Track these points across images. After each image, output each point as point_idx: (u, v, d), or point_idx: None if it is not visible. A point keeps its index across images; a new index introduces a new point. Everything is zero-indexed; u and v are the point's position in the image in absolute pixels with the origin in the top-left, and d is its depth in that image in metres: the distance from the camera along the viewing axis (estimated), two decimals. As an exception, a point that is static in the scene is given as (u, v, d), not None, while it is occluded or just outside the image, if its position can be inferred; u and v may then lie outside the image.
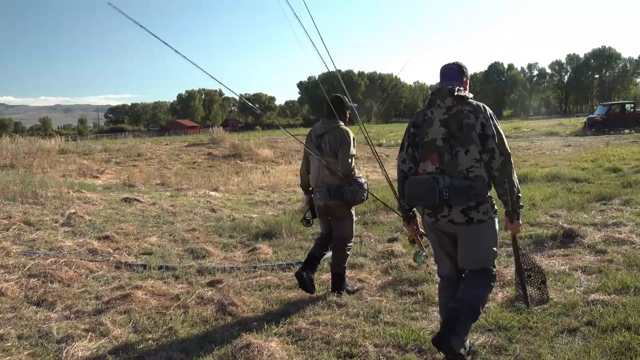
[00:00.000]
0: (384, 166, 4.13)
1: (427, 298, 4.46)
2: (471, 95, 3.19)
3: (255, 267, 5.60)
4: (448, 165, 3.09)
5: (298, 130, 66.46)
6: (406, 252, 5.89)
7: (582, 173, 11.39)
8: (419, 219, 3.51)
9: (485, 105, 3.13)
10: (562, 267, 5.13)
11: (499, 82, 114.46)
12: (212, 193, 11.24)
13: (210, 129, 25.66)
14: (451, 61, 3.32)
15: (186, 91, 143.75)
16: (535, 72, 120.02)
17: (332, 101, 4.40)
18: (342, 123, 4.45)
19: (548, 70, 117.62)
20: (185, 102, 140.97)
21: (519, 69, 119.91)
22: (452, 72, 3.26)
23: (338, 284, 4.63)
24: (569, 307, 4.06)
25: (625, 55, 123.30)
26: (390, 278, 5.08)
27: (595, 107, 34.25)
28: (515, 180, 3.11)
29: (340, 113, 4.43)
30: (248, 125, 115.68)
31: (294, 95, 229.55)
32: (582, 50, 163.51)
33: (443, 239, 3.28)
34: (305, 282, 4.46)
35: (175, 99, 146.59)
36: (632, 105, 31.89)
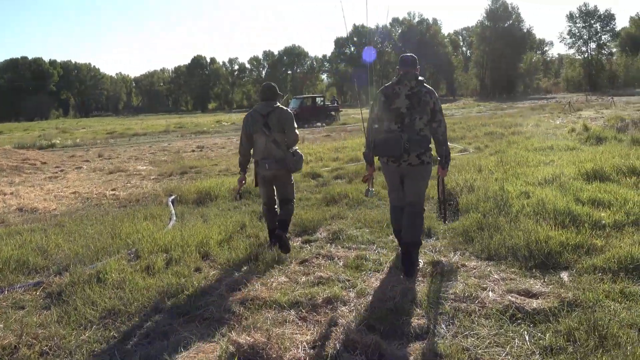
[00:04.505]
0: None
1: None
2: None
3: None
4: (407, 126, 4.40)
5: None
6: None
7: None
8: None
9: (433, 90, 4.51)
10: None
11: (203, 76, 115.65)
12: None
13: None
14: (408, 53, 4.68)
15: None
16: (236, 67, 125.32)
17: (268, 87, 5.33)
18: (279, 103, 5.28)
19: (247, 65, 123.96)
20: None
21: (221, 63, 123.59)
22: (411, 61, 4.52)
23: (284, 227, 5.30)
24: None
25: (312, 54, 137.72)
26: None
27: (289, 100, 36.63)
28: (447, 141, 4.56)
29: (276, 96, 5.29)
30: None
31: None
32: (276, 47, 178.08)
33: (397, 179, 4.62)
34: (284, 241, 5.18)
35: None
36: (322, 99, 35.13)
